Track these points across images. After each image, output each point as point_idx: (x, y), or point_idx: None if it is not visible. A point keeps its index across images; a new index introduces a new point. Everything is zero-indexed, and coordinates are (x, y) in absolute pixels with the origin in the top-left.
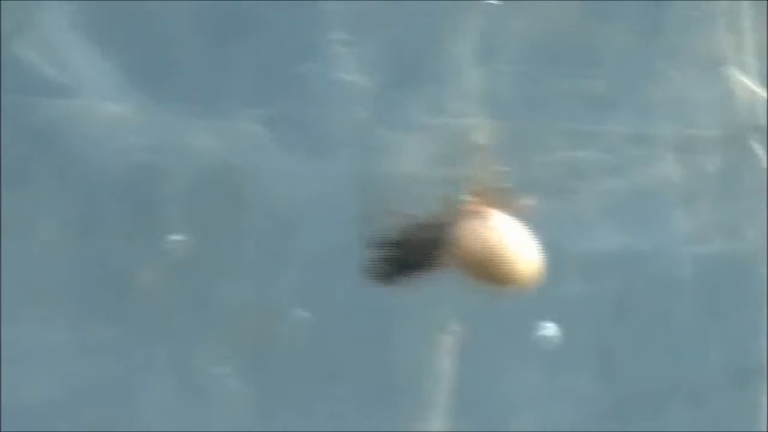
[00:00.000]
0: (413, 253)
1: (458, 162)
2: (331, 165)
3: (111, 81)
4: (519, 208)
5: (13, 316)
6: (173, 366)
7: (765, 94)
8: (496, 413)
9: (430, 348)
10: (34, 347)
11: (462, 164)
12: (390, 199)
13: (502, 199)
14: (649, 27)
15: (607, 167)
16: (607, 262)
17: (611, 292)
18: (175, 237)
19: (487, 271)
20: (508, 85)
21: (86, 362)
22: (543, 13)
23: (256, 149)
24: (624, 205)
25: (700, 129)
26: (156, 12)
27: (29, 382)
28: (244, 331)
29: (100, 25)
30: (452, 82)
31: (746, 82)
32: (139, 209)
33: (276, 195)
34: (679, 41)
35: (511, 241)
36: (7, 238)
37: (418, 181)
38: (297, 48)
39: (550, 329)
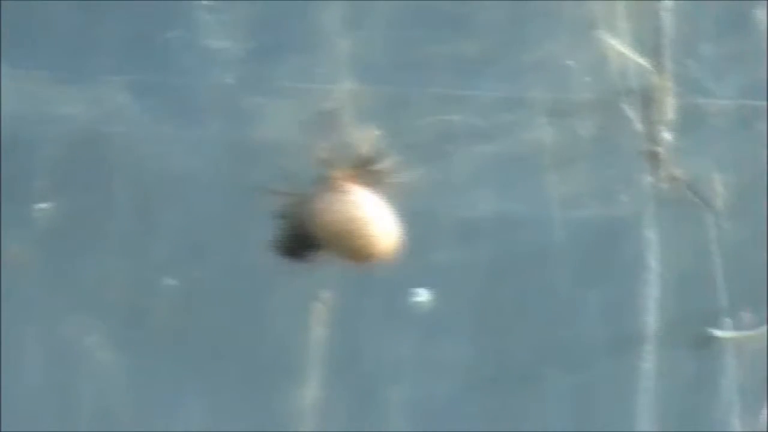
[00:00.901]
0: (297, 227)
1: (321, 132)
2: (199, 132)
3: None
4: (382, 180)
5: None
6: (42, 337)
7: (637, 58)
8: (371, 382)
9: (302, 317)
10: None
11: (323, 135)
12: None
13: (363, 171)
14: None
15: (480, 132)
16: (481, 227)
17: (486, 258)
18: (42, 205)
19: (343, 246)
20: (377, 50)
21: None
22: None
23: (123, 117)
24: (497, 170)
25: (572, 93)
26: None
27: None
28: (114, 301)
29: None
30: (320, 48)
31: (618, 46)
32: (6, 178)
33: (144, 162)
34: (550, 5)
35: (368, 215)
36: None
37: (287, 150)
38: (163, 15)
39: (423, 296)
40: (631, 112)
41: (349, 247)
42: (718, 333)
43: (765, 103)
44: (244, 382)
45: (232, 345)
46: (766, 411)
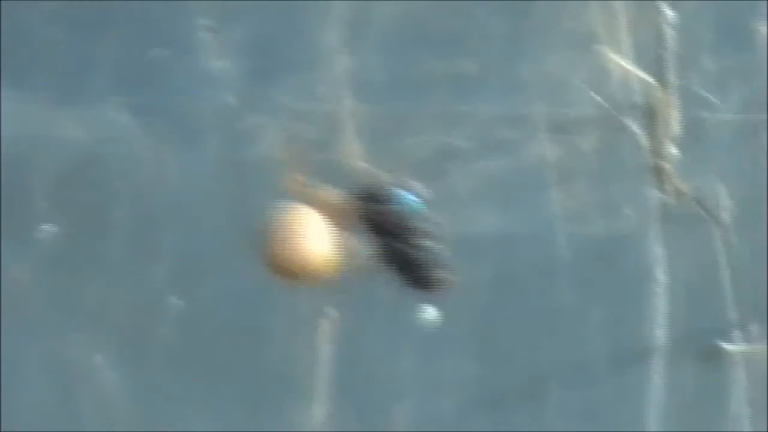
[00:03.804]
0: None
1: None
2: (198, 152)
3: None
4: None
5: None
6: (47, 359)
7: (639, 72)
8: (377, 399)
9: (308, 334)
10: None
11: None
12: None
13: (309, 191)
14: (519, 5)
15: (481, 148)
16: (484, 244)
17: (490, 275)
18: (44, 227)
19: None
20: (376, 69)
21: None
22: None
23: (122, 138)
24: (500, 186)
25: (574, 108)
26: (16, 3)
27: None
28: (117, 321)
29: None
30: (319, 67)
31: (619, 60)
32: (7, 201)
33: (145, 183)
34: (550, 19)
35: (304, 234)
36: None
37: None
38: (162, 35)
39: (430, 313)
40: (635, 127)
41: (282, 264)
42: (727, 346)
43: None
44: (250, 401)
45: (238, 364)
46: None
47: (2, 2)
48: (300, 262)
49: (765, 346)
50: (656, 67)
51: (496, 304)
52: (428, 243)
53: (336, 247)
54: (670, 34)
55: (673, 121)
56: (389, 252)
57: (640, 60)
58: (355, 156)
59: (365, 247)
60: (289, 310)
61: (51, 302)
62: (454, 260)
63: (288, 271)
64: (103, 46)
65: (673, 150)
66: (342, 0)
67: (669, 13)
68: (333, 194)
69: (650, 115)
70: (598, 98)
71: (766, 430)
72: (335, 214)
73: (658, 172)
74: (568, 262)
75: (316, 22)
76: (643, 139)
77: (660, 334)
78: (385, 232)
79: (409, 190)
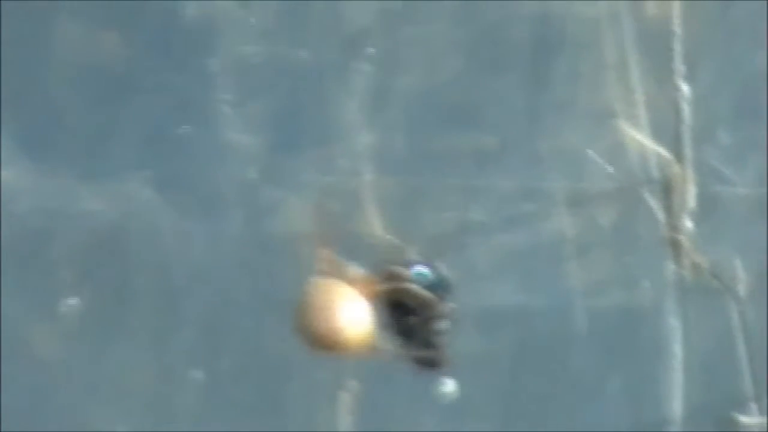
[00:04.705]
0: None
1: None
2: (220, 226)
3: None
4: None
5: None
6: (71, 430)
7: (656, 147)
8: None
9: (329, 406)
10: None
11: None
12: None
13: (337, 266)
14: (537, 79)
15: (500, 222)
16: (503, 317)
17: (508, 348)
18: (69, 301)
19: (309, 331)
20: (396, 143)
21: None
22: (429, 68)
23: (145, 211)
24: (518, 259)
25: (591, 182)
26: (41, 76)
27: None
28: (140, 393)
29: None
30: (340, 141)
31: (636, 135)
32: (31, 274)
33: (168, 256)
34: (568, 94)
35: (337, 307)
36: None
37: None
38: (184, 109)
39: (448, 385)
40: (652, 201)
41: (314, 335)
42: (744, 419)
43: None
44: None
45: None
46: None
47: (34, 73)
48: (335, 335)
49: None
50: (673, 142)
51: (515, 376)
52: (442, 324)
53: (364, 320)
54: (686, 108)
55: (690, 195)
56: (405, 329)
57: (656, 134)
58: (376, 229)
59: (385, 321)
60: (310, 381)
61: (74, 374)
62: (473, 332)
63: (322, 344)
64: (126, 120)
65: (689, 224)
66: (362, 74)
67: (685, 88)
68: (356, 270)
69: (667, 189)
70: (615, 172)
71: None
72: (359, 289)
73: (674, 246)
74: (585, 334)
75: (336, 96)
76: (660, 213)
77: (677, 406)
78: (403, 309)
79: (428, 265)
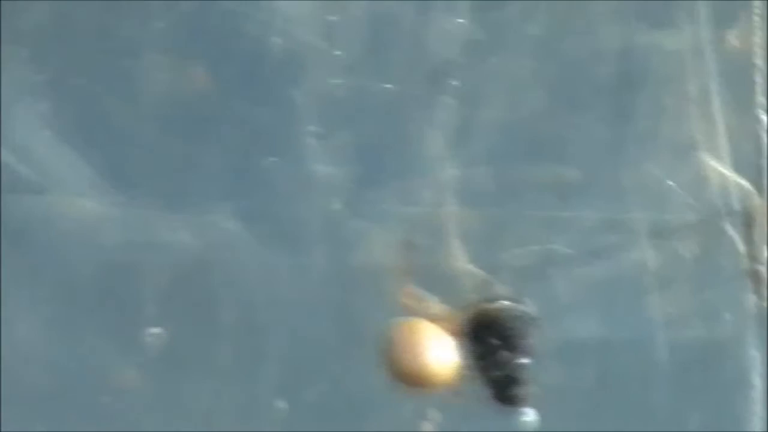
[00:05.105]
0: None
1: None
2: (305, 258)
3: (85, 178)
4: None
5: None
6: None
7: (737, 179)
8: None
9: None
10: None
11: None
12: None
13: (421, 302)
14: (620, 113)
15: (582, 254)
16: (584, 348)
17: (590, 379)
18: (153, 331)
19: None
20: (480, 175)
21: None
22: (512, 101)
23: (230, 243)
24: (600, 291)
25: (673, 214)
26: (128, 109)
27: None
28: (224, 424)
29: (73, 124)
30: (424, 173)
31: (718, 167)
32: (116, 305)
33: (251, 288)
34: (650, 127)
35: (425, 345)
36: None
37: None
38: (269, 141)
39: (529, 415)
40: (733, 233)
41: (403, 371)
42: None
43: None
44: None
45: None
46: None
47: (121, 107)
48: (421, 373)
49: None
50: (754, 174)
51: (596, 408)
52: (525, 359)
53: (449, 358)
54: (767, 141)
55: None
56: (489, 365)
57: (738, 166)
58: (460, 261)
59: (469, 357)
60: (392, 413)
61: (158, 405)
62: (555, 364)
63: (408, 381)
64: (211, 152)
65: None
66: (446, 107)
67: (766, 120)
68: (440, 306)
69: (748, 221)
70: (697, 204)
71: None
72: (444, 326)
73: (755, 278)
74: (666, 366)
75: (420, 129)
76: (741, 245)
77: None
78: (487, 344)
79: (512, 300)
